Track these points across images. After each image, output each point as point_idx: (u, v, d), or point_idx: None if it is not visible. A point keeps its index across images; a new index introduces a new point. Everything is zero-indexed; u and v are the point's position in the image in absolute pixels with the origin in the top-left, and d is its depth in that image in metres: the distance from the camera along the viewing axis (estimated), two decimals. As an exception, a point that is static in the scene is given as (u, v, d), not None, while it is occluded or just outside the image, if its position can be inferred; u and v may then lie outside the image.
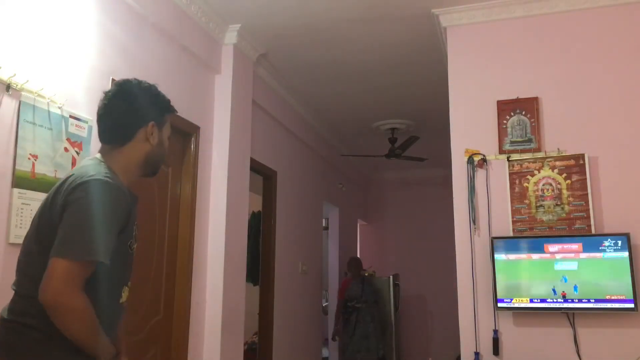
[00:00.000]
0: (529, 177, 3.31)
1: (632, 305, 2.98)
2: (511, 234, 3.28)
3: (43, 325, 1.41)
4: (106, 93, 1.65)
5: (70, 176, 1.52)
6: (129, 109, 1.61)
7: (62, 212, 1.44)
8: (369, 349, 6.15)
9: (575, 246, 3.09)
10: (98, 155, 1.63)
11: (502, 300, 3.18)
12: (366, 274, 7.12)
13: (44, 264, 1.40)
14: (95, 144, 2.64)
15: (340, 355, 6.96)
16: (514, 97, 3.43)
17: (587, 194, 3.19)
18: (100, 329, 1.45)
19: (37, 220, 1.54)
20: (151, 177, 1.78)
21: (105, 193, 1.46)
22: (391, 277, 7.10)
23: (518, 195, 3.32)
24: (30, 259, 1.50)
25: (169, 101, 1.71)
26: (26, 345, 1.44)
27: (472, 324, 3.30)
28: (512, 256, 3.20)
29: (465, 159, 3.47)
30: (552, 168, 3.28)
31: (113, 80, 2.79)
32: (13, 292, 1.53)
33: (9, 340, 1.46)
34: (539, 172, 3.30)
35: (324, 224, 6.78)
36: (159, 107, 1.67)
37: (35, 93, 2.30)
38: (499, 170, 3.39)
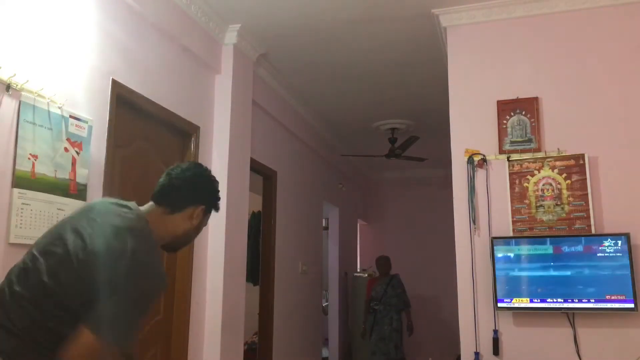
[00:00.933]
0: (529, 177, 3.31)
1: (632, 305, 2.98)
2: (511, 234, 3.27)
3: None
4: (183, 169, 1.75)
5: (104, 212, 1.61)
6: (193, 187, 1.74)
7: (98, 262, 1.43)
8: (384, 352, 6.04)
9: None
10: (147, 208, 1.69)
11: (502, 300, 3.18)
12: (366, 274, 7.13)
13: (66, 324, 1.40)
14: (95, 144, 2.65)
15: (342, 356, 6.97)
16: (514, 97, 3.43)
17: (587, 194, 3.19)
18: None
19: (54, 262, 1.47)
20: (172, 252, 1.84)
21: (149, 271, 1.50)
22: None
23: (518, 195, 3.32)
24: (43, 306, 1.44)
25: (219, 199, 1.82)
26: None
27: (472, 324, 3.30)
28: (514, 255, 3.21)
29: (465, 159, 3.47)
30: (552, 168, 3.28)
31: (113, 80, 2.80)
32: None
33: None
34: (539, 172, 3.30)
35: (324, 224, 6.78)
36: (213, 199, 1.79)
37: (35, 93, 2.30)
38: (499, 170, 3.39)
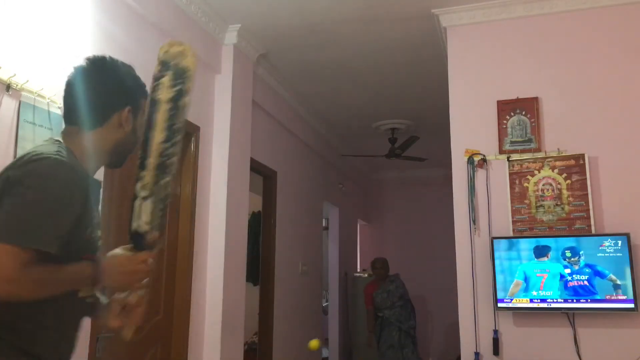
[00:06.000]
0: (529, 177, 3.31)
1: (632, 305, 2.98)
2: (511, 234, 3.27)
3: None
4: (77, 68, 1.46)
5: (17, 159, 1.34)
6: (104, 90, 1.44)
7: (1, 195, 1.25)
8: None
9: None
10: (57, 137, 1.44)
11: (502, 300, 3.18)
12: (366, 274, 7.12)
13: None
14: (95, 144, 2.64)
15: (342, 356, 6.96)
16: (514, 97, 3.43)
17: (587, 194, 3.19)
18: (60, 269, 1.28)
19: None
20: (117, 167, 1.59)
21: (55, 173, 1.28)
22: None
23: (518, 195, 3.32)
24: None
25: (144, 85, 1.54)
26: None
27: (472, 324, 3.30)
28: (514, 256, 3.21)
29: (465, 159, 3.47)
30: (552, 168, 3.28)
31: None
32: None
33: None
34: (539, 172, 3.30)
35: (324, 224, 6.77)
36: (136, 91, 1.50)
37: (35, 93, 2.30)
38: (499, 170, 3.39)
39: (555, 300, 3.10)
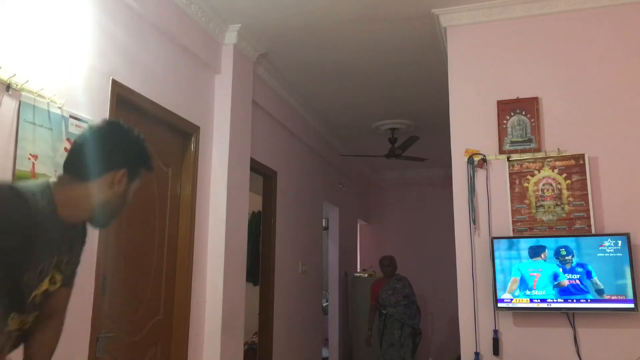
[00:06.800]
0: (529, 177, 3.31)
1: (632, 305, 2.98)
2: (511, 234, 3.27)
3: None
4: (91, 127, 1.56)
5: None
6: (105, 147, 1.47)
7: None
8: (394, 358, 5.61)
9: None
10: (50, 179, 1.49)
11: (502, 300, 3.18)
12: (366, 274, 7.12)
13: None
14: (95, 144, 2.64)
15: (342, 356, 6.95)
16: (514, 97, 3.43)
17: (587, 194, 3.19)
18: None
19: None
20: (101, 227, 1.65)
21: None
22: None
23: (518, 195, 3.32)
24: None
25: (150, 157, 1.58)
26: None
27: (472, 324, 3.30)
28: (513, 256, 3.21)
29: (465, 159, 3.47)
30: (552, 168, 3.28)
31: (113, 80, 2.80)
32: None
33: None
34: (539, 172, 3.30)
35: (324, 224, 6.77)
36: (138, 159, 1.54)
37: (35, 93, 2.30)
38: (499, 170, 3.39)
39: (555, 300, 3.10)
